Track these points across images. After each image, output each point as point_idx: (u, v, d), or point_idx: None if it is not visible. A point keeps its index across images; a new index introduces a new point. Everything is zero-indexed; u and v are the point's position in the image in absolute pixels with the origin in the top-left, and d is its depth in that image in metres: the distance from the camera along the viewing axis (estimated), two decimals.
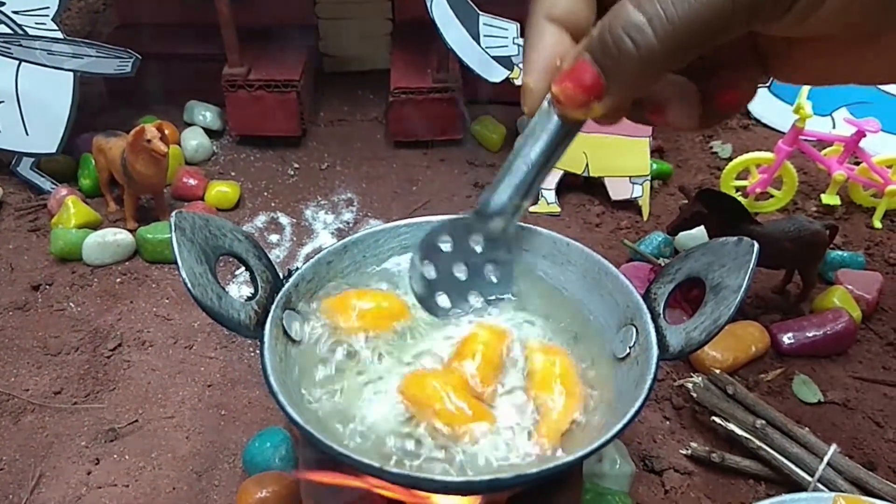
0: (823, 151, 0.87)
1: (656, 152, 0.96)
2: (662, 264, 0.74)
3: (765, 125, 1.07)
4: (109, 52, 0.84)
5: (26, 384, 0.65)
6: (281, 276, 0.47)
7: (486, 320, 0.46)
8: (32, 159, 0.89)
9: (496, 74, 0.87)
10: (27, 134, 0.86)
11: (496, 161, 0.97)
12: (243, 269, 0.46)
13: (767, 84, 1.09)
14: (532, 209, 0.87)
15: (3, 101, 0.85)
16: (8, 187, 0.90)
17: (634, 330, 0.44)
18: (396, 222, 0.52)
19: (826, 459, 0.53)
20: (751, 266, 0.40)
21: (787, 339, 0.66)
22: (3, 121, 0.85)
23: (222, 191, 0.88)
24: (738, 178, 0.87)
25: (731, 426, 0.56)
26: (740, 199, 0.83)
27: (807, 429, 0.56)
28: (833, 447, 0.53)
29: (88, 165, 0.89)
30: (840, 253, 0.77)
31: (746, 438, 0.55)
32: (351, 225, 0.86)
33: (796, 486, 0.53)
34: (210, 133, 1.00)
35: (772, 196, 0.87)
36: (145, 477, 0.57)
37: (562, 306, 0.50)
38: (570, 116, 0.32)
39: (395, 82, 0.97)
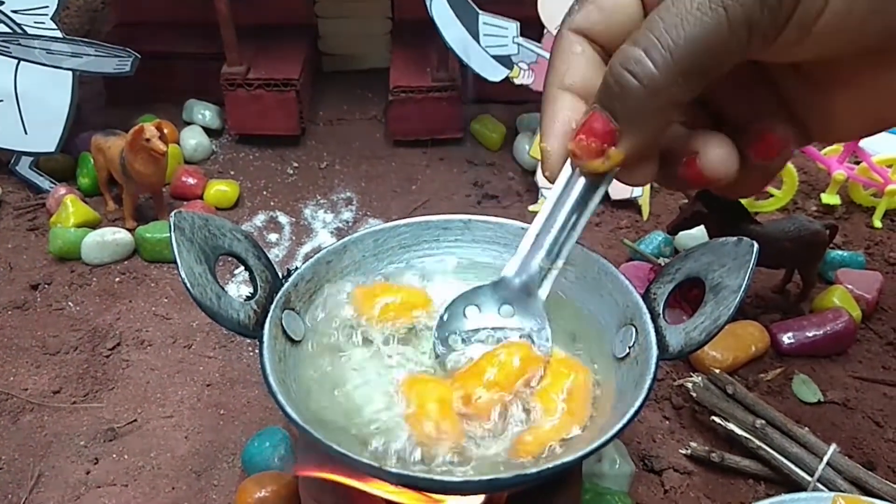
0: (823, 151, 0.87)
1: None
2: (662, 264, 0.74)
3: None
4: (108, 50, 0.83)
5: (25, 383, 0.65)
6: (280, 276, 0.47)
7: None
8: (31, 158, 0.89)
9: (496, 73, 0.87)
10: (26, 133, 0.86)
11: (496, 160, 0.97)
12: (242, 268, 0.46)
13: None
14: (532, 208, 0.87)
15: (1, 101, 0.84)
16: (6, 186, 0.90)
17: (634, 330, 0.44)
18: (396, 221, 0.52)
19: (826, 459, 0.53)
20: (751, 266, 0.39)
21: (786, 338, 0.66)
22: (1, 120, 0.85)
23: (221, 190, 0.88)
24: None
25: (731, 426, 0.56)
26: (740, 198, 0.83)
27: (806, 429, 0.56)
28: (833, 447, 0.53)
29: (87, 164, 0.89)
30: (840, 252, 0.77)
31: (746, 438, 0.55)
32: (350, 224, 0.86)
33: (796, 486, 0.53)
34: (209, 132, 1.00)
35: (772, 195, 0.87)
36: (144, 476, 0.56)
37: (561, 306, 0.50)
38: (590, 169, 0.32)
39: (394, 81, 0.97)
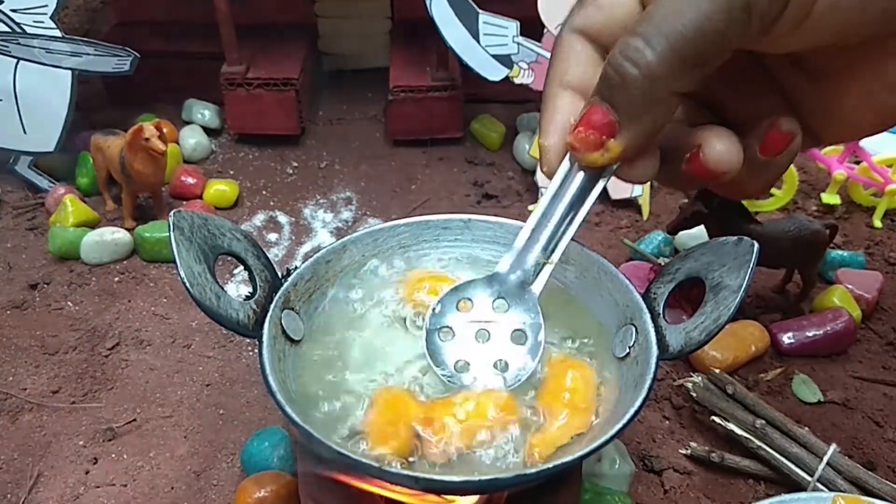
0: (823, 151, 0.87)
1: None
2: (662, 264, 0.74)
3: None
4: (108, 50, 0.83)
5: (24, 383, 0.64)
6: (280, 276, 0.47)
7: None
8: (30, 158, 0.89)
9: (496, 73, 0.87)
10: (25, 132, 0.86)
11: (495, 160, 0.97)
12: (242, 268, 0.45)
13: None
14: (532, 208, 0.87)
15: (1, 100, 0.84)
16: (5, 186, 0.90)
17: (634, 330, 0.44)
18: (395, 221, 0.52)
19: (826, 459, 0.53)
20: (751, 266, 0.39)
21: (786, 338, 0.66)
22: (0, 119, 0.85)
23: (221, 189, 0.88)
24: None
25: (731, 426, 0.56)
26: None
27: (806, 429, 0.56)
28: (833, 447, 0.53)
29: (86, 164, 0.89)
30: (840, 252, 0.77)
31: (746, 438, 0.55)
32: (350, 224, 0.86)
33: (796, 486, 0.53)
34: (208, 131, 1.00)
35: (772, 195, 0.87)
36: (143, 476, 0.56)
37: (561, 305, 0.50)
38: (588, 162, 0.31)
39: (394, 81, 0.97)
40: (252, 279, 0.45)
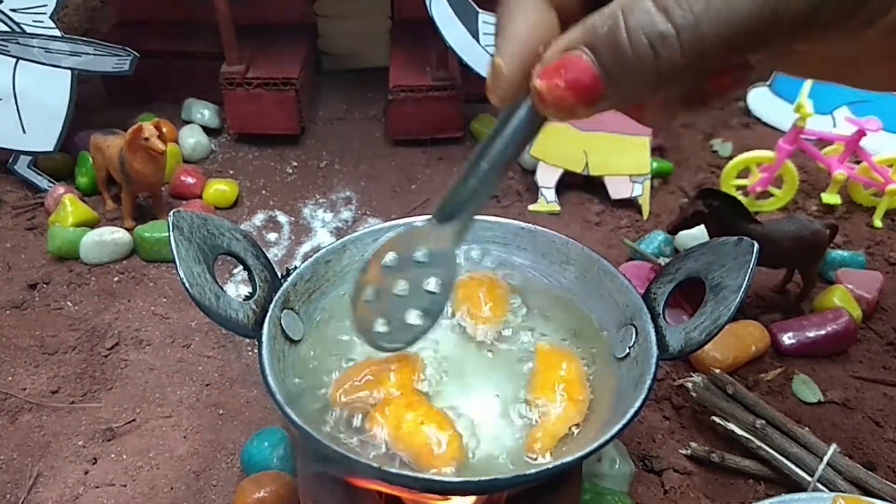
0: (824, 150, 0.87)
1: (656, 151, 0.96)
2: (662, 264, 0.74)
3: (765, 124, 1.07)
4: (107, 49, 0.83)
5: (23, 383, 0.64)
6: (279, 276, 0.47)
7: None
8: (30, 157, 0.88)
9: None
10: (24, 132, 0.86)
11: None
12: (241, 268, 0.45)
13: (769, 83, 1.09)
14: (532, 208, 0.87)
15: (0, 100, 0.84)
16: (5, 185, 0.90)
17: (634, 330, 0.44)
18: (395, 221, 0.52)
19: (826, 459, 0.52)
20: (751, 266, 0.39)
21: (787, 338, 0.66)
22: (0, 119, 0.85)
23: (220, 189, 0.88)
24: (738, 176, 0.87)
25: (731, 426, 0.56)
26: (741, 198, 0.83)
27: (807, 429, 0.56)
28: (833, 447, 0.53)
29: (86, 164, 0.88)
30: (840, 252, 0.77)
31: (746, 438, 0.55)
32: (349, 223, 0.86)
33: (796, 486, 0.53)
34: (208, 131, 1.00)
35: (772, 195, 0.87)
36: (143, 476, 0.56)
37: (561, 306, 0.50)
38: (550, 115, 0.26)
39: (393, 80, 0.96)
40: (251, 279, 0.45)
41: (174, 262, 0.39)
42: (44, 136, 0.86)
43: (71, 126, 0.86)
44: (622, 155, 0.87)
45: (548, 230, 0.51)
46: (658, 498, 0.55)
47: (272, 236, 0.84)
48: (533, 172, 0.91)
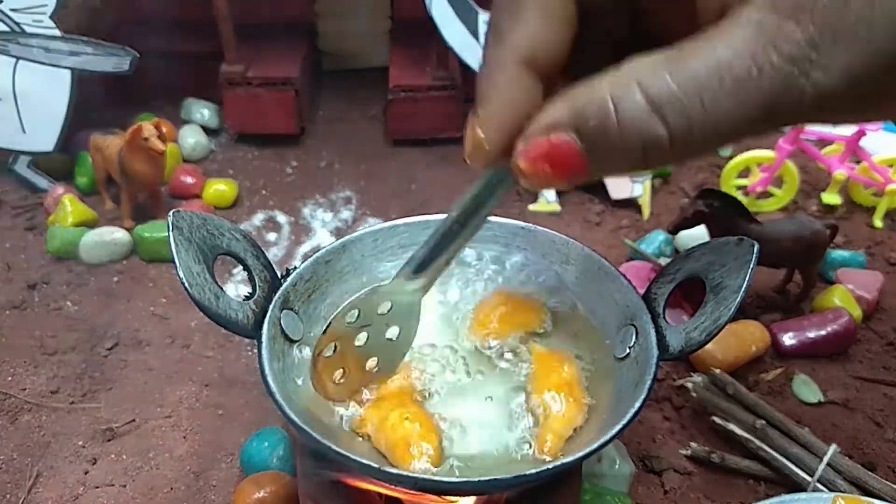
0: (824, 150, 0.87)
1: None
2: (662, 264, 0.74)
3: None
4: (107, 49, 0.83)
5: (23, 383, 0.64)
6: (279, 276, 0.46)
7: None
8: (29, 157, 0.88)
9: None
10: (24, 132, 0.86)
11: None
12: (241, 268, 0.45)
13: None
14: (532, 207, 0.87)
15: (0, 100, 0.84)
16: (4, 185, 0.90)
17: (634, 330, 0.44)
18: (395, 221, 0.52)
19: (826, 459, 0.52)
20: (751, 266, 0.39)
21: (787, 338, 0.66)
22: (0, 119, 0.85)
23: (220, 189, 0.88)
24: (738, 176, 0.86)
25: (731, 426, 0.56)
26: (741, 197, 0.83)
27: (807, 429, 0.56)
28: (833, 447, 0.53)
29: (85, 163, 0.88)
30: (841, 252, 0.77)
31: (746, 439, 0.55)
32: (349, 224, 0.86)
33: (796, 487, 0.53)
34: (208, 131, 1.00)
35: (772, 195, 0.87)
36: (142, 477, 0.56)
37: (560, 306, 0.50)
38: (529, 186, 0.27)
39: (393, 80, 0.96)
40: (251, 279, 0.44)
41: (173, 262, 0.39)
42: (43, 136, 0.86)
43: (70, 126, 0.86)
44: None
45: (548, 230, 0.51)
46: (658, 498, 0.55)
47: (272, 236, 0.84)
48: None
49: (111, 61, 0.84)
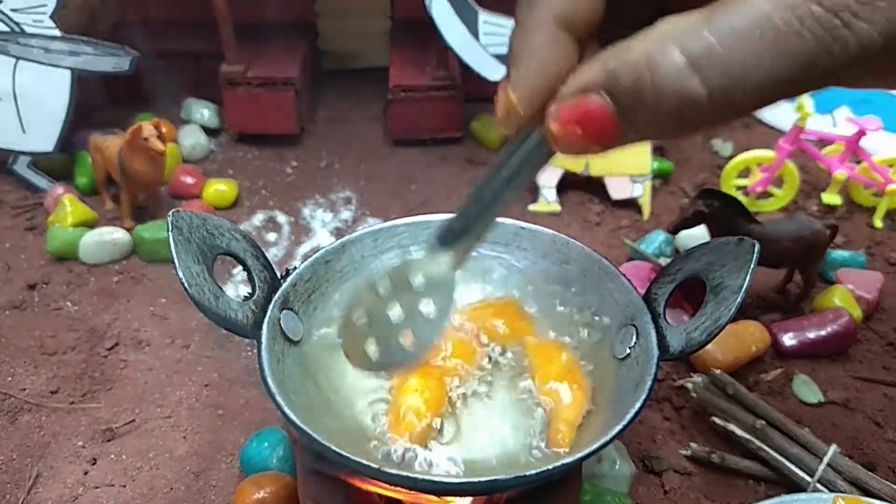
0: (824, 150, 0.87)
1: (657, 151, 0.96)
2: (663, 264, 0.74)
3: (765, 124, 1.07)
4: (107, 49, 0.83)
5: (23, 383, 0.64)
6: (279, 276, 0.46)
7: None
8: (29, 157, 0.88)
9: (496, 73, 0.87)
10: (24, 132, 0.86)
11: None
12: (241, 268, 0.45)
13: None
14: (532, 208, 0.87)
15: (0, 100, 0.84)
16: (4, 185, 0.90)
17: (634, 330, 0.44)
18: (395, 221, 0.52)
19: (826, 460, 0.52)
20: (751, 267, 0.39)
21: (787, 338, 0.66)
22: (0, 119, 0.85)
23: (220, 189, 0.88)
24: (739, 176, 0.86)
25: (731, 426, 0.56)
26: (741, 198, 0.83)
27: (807, 429, 0.56)
28: (833, 447, 0.53)
29: (85, 164, 0.88)
30: (841, 252, 0.77)
31: (746, 439, 0.55)
32: (349, 224, 0.86)
33: (796, 487, 0.53)
34: (208, 131, 1.00)
35: (772, 195, 0.87)
36: (142, 477, 0.56)
37: (561, 306, 0.50)
38: (562, 151, 0.26)
39: (393, 80, 0.96)
40: (251, 279, 0.44)
41: (173, 262, 0.39)
42: (43, 136, 0.86)
43: (70, 126, 0.86)
44: (622, 155, 0.87)
45: (548, 230, 0.51)
46: (658, 499, 0.55)
47: (272, 236, 0.84)
48: None
49: (111, 61, 0.84)
